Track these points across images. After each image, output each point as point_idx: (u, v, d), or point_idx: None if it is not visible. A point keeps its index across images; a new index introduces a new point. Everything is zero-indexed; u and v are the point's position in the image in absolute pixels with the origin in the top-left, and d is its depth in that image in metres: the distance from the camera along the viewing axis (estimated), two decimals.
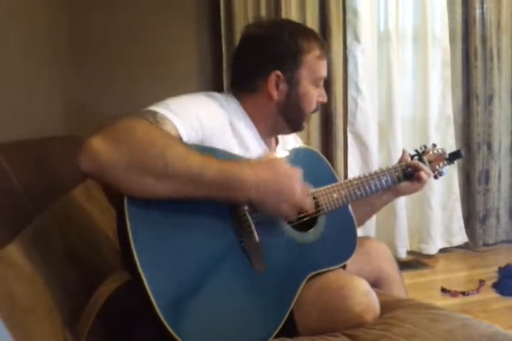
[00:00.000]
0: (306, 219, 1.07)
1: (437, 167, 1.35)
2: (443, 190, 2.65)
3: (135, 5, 2.07)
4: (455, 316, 1.02)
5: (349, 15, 2.38)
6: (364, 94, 2.42)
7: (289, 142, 1.29)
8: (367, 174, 1.21)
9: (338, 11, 2.32)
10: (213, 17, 2.18)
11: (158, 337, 0.82)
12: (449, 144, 2.59)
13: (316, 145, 2.33)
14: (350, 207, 1.20)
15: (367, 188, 1.19)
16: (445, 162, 1.37)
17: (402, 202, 2.50)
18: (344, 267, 1.14)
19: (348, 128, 2.44)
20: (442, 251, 2.65)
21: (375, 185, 1.21)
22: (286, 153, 1.12)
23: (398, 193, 1.30)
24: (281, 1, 2.18)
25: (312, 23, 2.27)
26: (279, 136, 1.25)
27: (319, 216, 1.10)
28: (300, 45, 1.10)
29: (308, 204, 0.99)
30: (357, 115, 2.43)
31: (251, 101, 1.12)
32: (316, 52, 1.12)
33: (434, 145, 1.38)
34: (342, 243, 1.15)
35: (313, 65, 1.12)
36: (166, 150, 0.81)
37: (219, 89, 2.07)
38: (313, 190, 1.09)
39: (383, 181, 1.23)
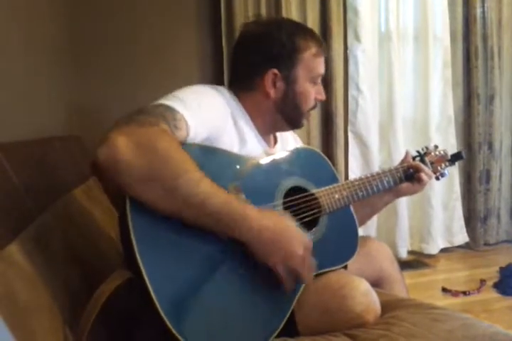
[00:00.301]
0: (307, 219, 1.07)
1: (439, 168, 1.35)
2: (444, 190, 2.65)
3: (135, 5, 2.07)
4: (456, 316, 1.02)
5: (350, 15, 2.38)
6: (365, 93, 2.42)
7: (289, 141, 1.29)
8: (368, 175, 1.21)
9: (338, 11, 2.32)
10: (214, 16, 2.18)
11: (158, 337, 0.83)
12: (450, 144, 2.59)
13: (316, 145, 2.33)
14: (351, 208, 1.20)
15: (368, 189, 1.19)
16: (447, 163, 1.37)
17: (403, 202, 2.49)
18: (345, 267, 1.14)
19: (349, 128, 2.44)
20: (443, 250, 2.65)
21: (377, 186, 1.21)
22: (286, 153, 1.12)
23: (399, 194, 1.31)
24: (282, 0, 2.18)
25: (313, 22, 2.27)
26: (278, 135, 1.25)
27: (321, 216, 1.10)
28: (297, 43, 1.10)
29: (306, 269, 0.90)
30: (358, 115, 2.43)
31: (249, 99, 1.12)
32: (313, 49, 1.12)
33: (436, 147, 1.38)
34: (343, 243, 1.15)
35: (310, 62, 1.12)
36: (181, 174, 0.81)
37: None
38: (315, 191, 1.09)
39: (385, 182, 1.23)
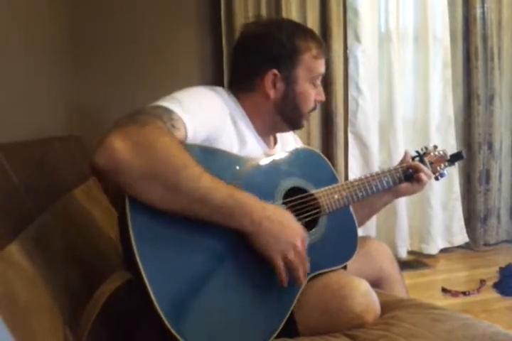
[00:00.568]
0: (307, 220, 1.07)
1: (438, 168, 1.35)
2: (443, 190, 2.65)
3: (135, 5, 2.07)
4: (456, 316, 1.02)
5: (350, 15, 2.38)
6: (365, 94, 2.42)
7: (289, 142, 1.29)
8: (368, 175, 1.22)
9: (338, 11, 2.32)
10: (214, 16, 2.18)
11: (158, 338, 0.83)
12: (450, 144, 2.59)
13: (316, 145, 2.33)
14: (351, 208, 1.20)
15: (368, 189, 1.19)
16: (446, 163, 1.37)
17: (402, 202, 2.49)
18: (345, 267, 1.14)
19: (349, 128, 2.44)
20: (443, 251, 2.65)
21: (376, 186, 1.21)
22: (285, 154, 1.12)
23: (398, 194, 1.31)
24: (282, 0, 2.18)
25: (313, 22, 2.27)
26: (278, 136, 1.25)
27: (320, 217, 1.10)
28: (297, 44, 1.10)
29: (303, 268, 0.91)
30: (357, 115, 2.43)
31: (248, 99, 1.12)
32: (313, 51, 1.12)
33: (436, 147, 1.38)
34: (343, 244, 1.15)
35: (311, 64, 1.12)
36: (182, 169, 0.82)
37: None
38: (315, 191, 1.09)
39: (384, 182, 1.23)
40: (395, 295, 1.22)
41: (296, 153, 1.14)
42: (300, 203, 1.07)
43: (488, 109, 2.69)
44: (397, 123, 2.51)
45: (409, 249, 2.62)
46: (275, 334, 0.92)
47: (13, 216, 0.85)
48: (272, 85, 1.10)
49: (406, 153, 1.34)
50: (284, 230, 0.89)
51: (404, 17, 2.54)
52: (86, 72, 1.97)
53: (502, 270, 2.28)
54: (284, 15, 2.18)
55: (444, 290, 2.14)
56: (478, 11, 2.59)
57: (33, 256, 0.80)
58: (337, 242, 1.12)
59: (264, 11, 2.17)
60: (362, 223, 1.33)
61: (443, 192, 2.65)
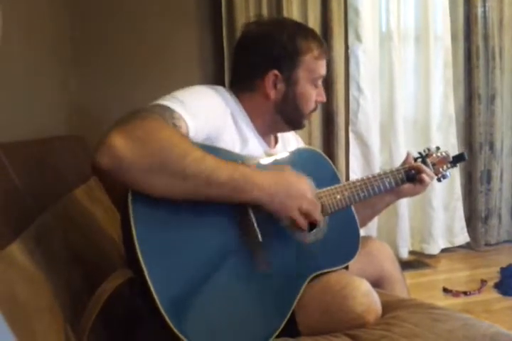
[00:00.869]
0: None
1: (441, 170, 1.35)
2: (445, 190, 2.65)
3: (136, 4, 2.07)
4: (457, 316, 1.02)
5: (351, 15, 2.37)
6: (366, 93, 2.41)
7: (290, 141, 1.29)
8: (370, 175, 1.21)
9: (339, 11, 2.31)
10: (215, 16, 2.17)
11: (160, 336, 0.83)
12: (451, 144, 2.59)
13: (317, 145, 2.33)
14: (353, 208, 1.20)
15: (370, 190, 1.19)
16: (449, 165, 1.37)
17: (404, 202, 2.49)
18: (346, 267, 1.14)
19: (350, 128, 2.44)
20: (444, 251, 2.65)
21: (378, 187, 1.21)
22: (287, 154, 1.12)
23: (400, 195, 1.30)
24: (283, 0, 2.18)
25: (314, 22, 2.27)
26: (279, 135, 1.25)
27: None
28: (298, 45, 1.10)
29: (318, 212, 1.00)
30: (359, 115, 2.43)
31: (249, 99, 1.12)
32: (315, 52, 1.12)
33: (438, 148, 1.38)
34: (344, 244, 1.14)
35: (312, 65, 1.12)
36: (185, 155, 0.83)
37: None
38: (317, 191, 1.09)
39: (386, 183, 1.23)
40: (396, 295, 1.21)
41: (298, 153, 1.14)
42: None
43: (489, 109, 2.69)
44: (398, 122, 2.51)
45: (411, 249, 2.62)
46: (276, 334, 0.92)
47: (14, 216, 0.85)
48: (272, 86, 1.10)
49: (408, 154, 1.34)
50: (292, 186, 0.94)
51: (405, 16, 2.54)
52: (86, 72, 1.97)
53: (503, 270, 2.28)
54: (285, 14, 2.18)
55: (445, 290, 2.14)
56: (480, 10, 2.59)
57: (33, 255, 0.80)
58: (339, 242, 1.12)
59: (265, 11, 2.17)
60: (364, 224, 1.33)
61: (444, 192, 2.65)
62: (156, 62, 2.10)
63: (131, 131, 0.81)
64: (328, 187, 1.12)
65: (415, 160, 1.33)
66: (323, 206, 1.08)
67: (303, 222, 0.97)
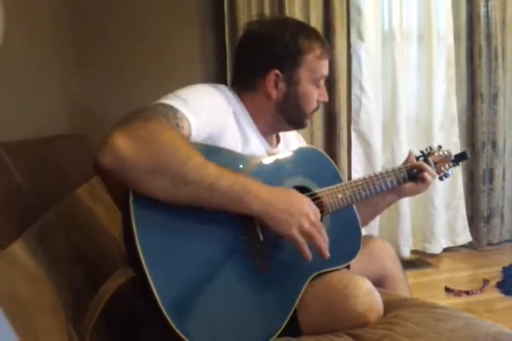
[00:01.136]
0: None
1: (443, 168, 1.35)
2: (447, 189, 2.64)
3: (137, 4, 2.07)
4: (459, 315, 1.02)
5: (353, 14, 2.37)
6: (368, 93, 2.41)
7: (292, 141, 1.29)
8: (372, 174, 1.21)
9: (342, 10, 2.31)
10: (217, 15, 2.17)
11: (161, 336, 0.83)
12: (454, 143, 2.59)
13: (319, 144, 2.33)
14: (354, 207, 1.20)
15: (372, 189, 1.19)
16: (451, 163, 1.37)
17: (405, 202, 2.49)
18: (348, 267, 1.14)
19: (352, 127, 2.44)
20: (446, 250, 2.64)
21: (380, 186, 1.21)
22: (289, 153, 1.12)
23: (402, 194, 1.30)
24: None
25: (316, 21, 2.27)
26: (281, 135, 1.25)
27: (324, 216, 1.09)
28: (300, 45, 1.09)
29: (321, 237, 0.91)
30: (361, 114, 2.42)
31: (250, 99, 1.12)
32: (317, 51, 1.11)
33: (440, 147, 1.37)
34: (346, 243, 1.14)
35: (314, 64, 1.12)
36: (188, 159, 0.83)
37: None
38: (318, 190, 1.09)
39: (388, 182, 1.23)
40: (398, 295, 1.21)
41: (300, 152, 1.14)
42: None
43: (491, 108, 2.68)
44: (401, 122, 2.50)
45: (413, 248, 2.62)
46: (278, 333, 0.92)
47: (17, 214, 0.85)
48: (273, 85, 1.10)
49: (410, 153, 1.34)
50: (294, 204, 0.90)
51: (408, 15, 2.54)
52: (88, 72, 1.98)
53: (505, 269, 2.27)
54: (288, 13, 2.17)
55: (447, 289, 2.14)
56: (482, 10, 2.59)
57: (36, 254, 0.80)
58: (340, 241, 1.12)
59: (267, 10, 2.17)
60: (365, 223, 1.33)
61: (446, 192, 2.64)
62: (157, 61, 2.10)
63: (134, 131, 0.81)
64: (330, 186, 1.12)
65: (417, 158, 1.33)
66: (324, 205, 1.08)
67: (302, 242, 0.89)
